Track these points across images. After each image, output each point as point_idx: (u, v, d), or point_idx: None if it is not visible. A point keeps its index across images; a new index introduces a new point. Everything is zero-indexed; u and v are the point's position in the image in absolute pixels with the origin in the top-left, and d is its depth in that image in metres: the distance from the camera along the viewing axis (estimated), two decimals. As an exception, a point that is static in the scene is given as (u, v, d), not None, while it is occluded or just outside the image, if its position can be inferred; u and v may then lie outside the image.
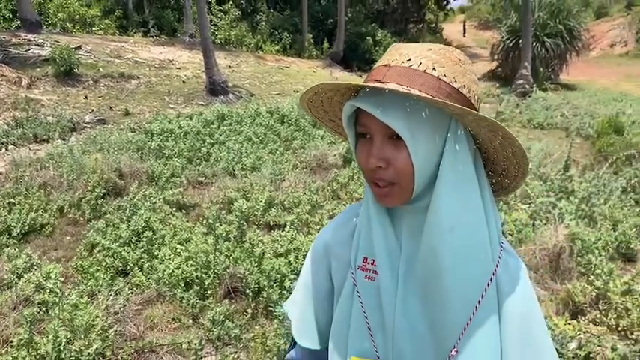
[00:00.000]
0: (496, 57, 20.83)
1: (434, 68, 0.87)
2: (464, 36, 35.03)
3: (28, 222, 4.85)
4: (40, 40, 12.71)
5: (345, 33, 21.90)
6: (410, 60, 0.87)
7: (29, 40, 12.65)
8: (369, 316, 0.97)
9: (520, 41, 17.44)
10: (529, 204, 5.00)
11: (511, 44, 19.38)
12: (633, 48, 28.08)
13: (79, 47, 13.06)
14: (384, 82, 0.86)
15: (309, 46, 22.26)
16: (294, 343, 1.17)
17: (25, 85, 10.54)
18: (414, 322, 0.94)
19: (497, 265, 0.93)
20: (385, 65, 0.89)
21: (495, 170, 1.00)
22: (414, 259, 0.94)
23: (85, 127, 9.01)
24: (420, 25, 31.13)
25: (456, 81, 0.88)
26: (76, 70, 11.47)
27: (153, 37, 18.27)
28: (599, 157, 8.02)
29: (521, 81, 16.10)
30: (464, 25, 36.64)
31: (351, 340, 0.98)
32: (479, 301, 0.90)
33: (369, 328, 0.97)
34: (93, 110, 9.98)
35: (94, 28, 17.92)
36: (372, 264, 0.97)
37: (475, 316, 0.90)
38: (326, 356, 1.08)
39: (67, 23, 17.37)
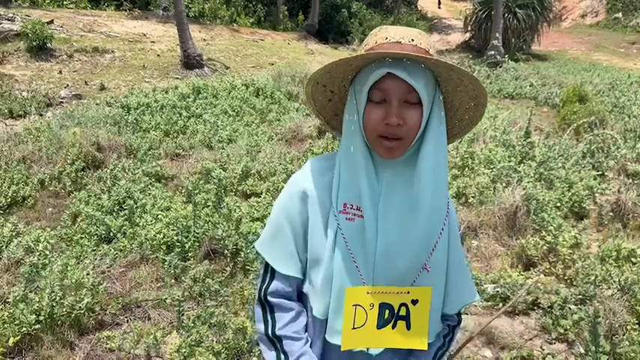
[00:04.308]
0: (469, 28, 20.99)
1: (423, 44, 1.16)
2: (439, 7, 35.00)
3: (10, 194, 4.99)
4: (11, 15, 12.50)
5: (320, 5, 21.80)
6: (413, 40, 1.15)
7: (-1, 15, 12.45)
8: (353, 251, 1.22)
9: (492, 12, 17.62)
10: (491, 169, 5.31)
11: (484, 15, 19.52)
12: (604, 18, 28.48)
13: (51, 21, 12.89)
14: (403, 52, 1.10)
15: (284, 19, 22.15)
16: (272, 277, 1.32)
17: (-3, 60, 10.45)
18: (391, 249, 1.21)
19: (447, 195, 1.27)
20: (397, 42, 1.14)
21: (450, 125, 1.31)
22: (392, 200, 1.21)
23: (61, 102, 9.04)
24: (396, -3, 31.02)
25: (430, 50, 1.17)
26: (48, 44, 11.35)
27: (126, 10, 18.00)
28: (563, 125, 8.37)
29: (492, 52, 16.37)
30: (439, -4, 36.60)
31: (339, 273, 1.22)
32: (444, 224, 1.24)
33: (354, 261, 1.22)
34: (68, 85, 9.98)
35: (64, 2, 17.59)
36: (351, 208, 1.22)
37: (440, 237, 1.23)
38: (302, 284, 1.32)
39: (37, -4, 17.01)
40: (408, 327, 1.23)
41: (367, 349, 1.25)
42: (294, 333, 1.28)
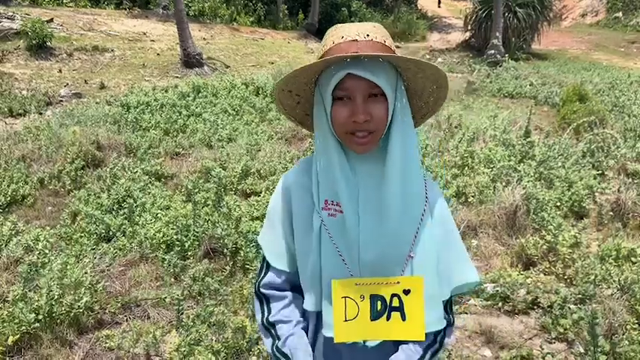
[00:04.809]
0: (469, 27, 20.92)
1: (379, 38, 1.18)
2: (439, 6, 34.99)
3: (9, 193, 4.98)
4: (10, 13, 12.50)
5: (320, 3, 21.81)
6: (369, 35, 1.17)
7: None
8: (338, 245, 1.24)
9: (492, 11, 17.60)
10: (491, 168, 5.30)
11: (484, 14, 19.45)
12: (604, 17, 28.45)
13: (51, 20, 12.90)
14: (360, 53, 1.13)
15: (284, 18, 22.15)
16: (267, 270, 1.38)
17: (-3, 59, 10.45)
18: (373, 241, 1.23)
19: (425, 181, 1.29)
20: (354, 40, 1.16)
21: (417, 108, 1.34)
22: (371, 192, 1.23)
23: (61, 100, 9.05)
24: (396, -5, 30.99)
25: (386, 42, 1.20)
26: (48, 43, 11.37)
27: (126, 9, 18.00)
28: (563, 124, 8.36)
29: (492, 51, 16.35)
30: (439, -5, 36.57)
31: (326, 266, 1.25)
32: (424, 210, 1.25)
33: (340, 254, 1.24)
34: (68, 84, 9.98)
35: (64, 0, 17.58)
36: (332, 204, 1.24)
37: (422, 223, 1.24)
38: (294, 277, 1.36)
39: (36, -5, 17.00)
40: (403, 318, 1.23)
41: (364, 342, 1.26)
42: (284, 317, 1.32)
